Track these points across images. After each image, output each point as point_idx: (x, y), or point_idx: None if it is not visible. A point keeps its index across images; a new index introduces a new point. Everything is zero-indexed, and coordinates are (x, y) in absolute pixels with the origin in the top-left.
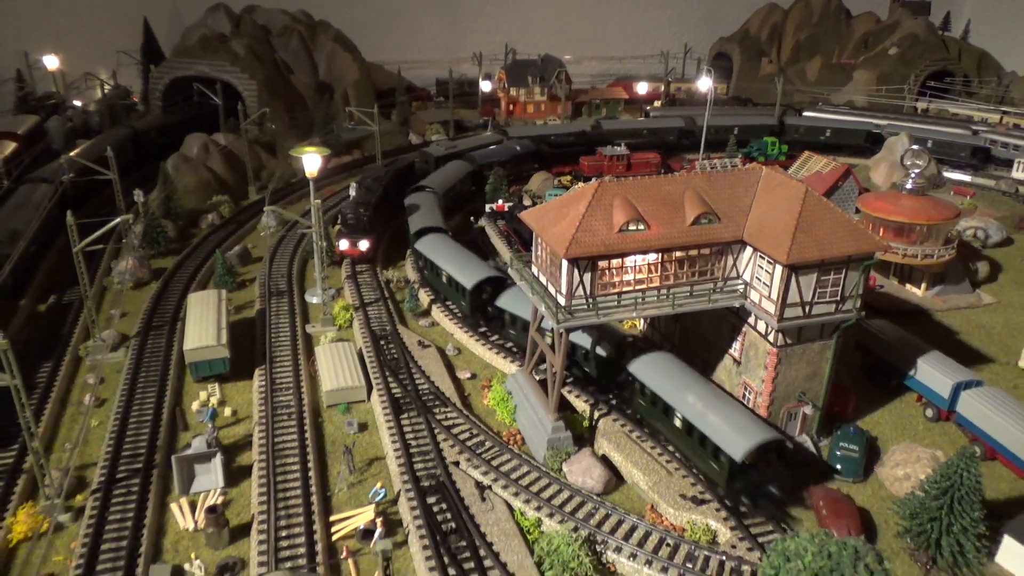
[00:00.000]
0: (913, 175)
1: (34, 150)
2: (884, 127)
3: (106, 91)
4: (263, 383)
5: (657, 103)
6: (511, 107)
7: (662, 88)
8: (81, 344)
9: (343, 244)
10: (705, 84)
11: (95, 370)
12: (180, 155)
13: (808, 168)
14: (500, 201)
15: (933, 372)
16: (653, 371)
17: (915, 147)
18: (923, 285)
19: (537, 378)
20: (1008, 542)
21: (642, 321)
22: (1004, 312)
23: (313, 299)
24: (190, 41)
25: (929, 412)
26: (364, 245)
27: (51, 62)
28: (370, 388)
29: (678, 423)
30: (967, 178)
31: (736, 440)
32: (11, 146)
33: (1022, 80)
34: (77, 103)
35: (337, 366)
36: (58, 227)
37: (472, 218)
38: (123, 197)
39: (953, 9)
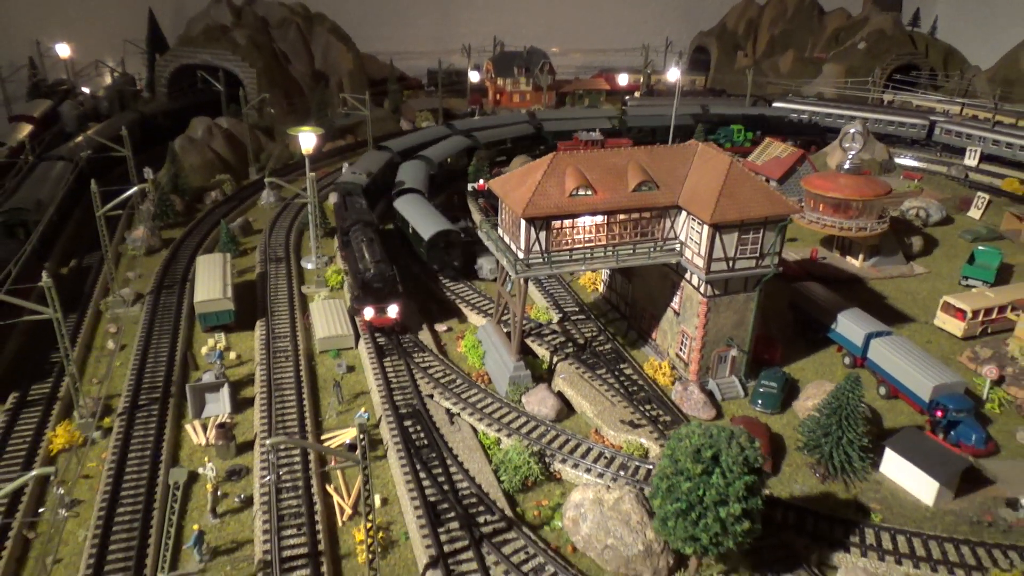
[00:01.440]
0: (850, 156)
1: (49, 132)
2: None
3: (114, 78)
4: (263, 332)
5: (637, 94)
6: (498, 96)
7: (641, 79)
8: (102, 300)
9: (368, 313)
10: (674, 75)
11: (115, 321)
12: (186, 136)
13: (768, 153)
14: (481, 181)
15: (850, 325)
16: (405, 206)
17: (852, 131)
18: (860, 257)
19: (505, 330)
20: (889, 454)
21: (602, 284)
22: (932, 281)
23: (308, 265)
24: (194, 31)
25: (847, 360)
26: (394, 311)
27: (63, 50)
28: (357, 337)
29: (410, 230)
30: (917, 163)
31: (428, 229)
32: (28, 128)
33: (984, 74)
34: (85, 89)
35: (329, 318)
36: (76, 200)
37: (455, 197)
38: (136, 173)
39: (923, 6)
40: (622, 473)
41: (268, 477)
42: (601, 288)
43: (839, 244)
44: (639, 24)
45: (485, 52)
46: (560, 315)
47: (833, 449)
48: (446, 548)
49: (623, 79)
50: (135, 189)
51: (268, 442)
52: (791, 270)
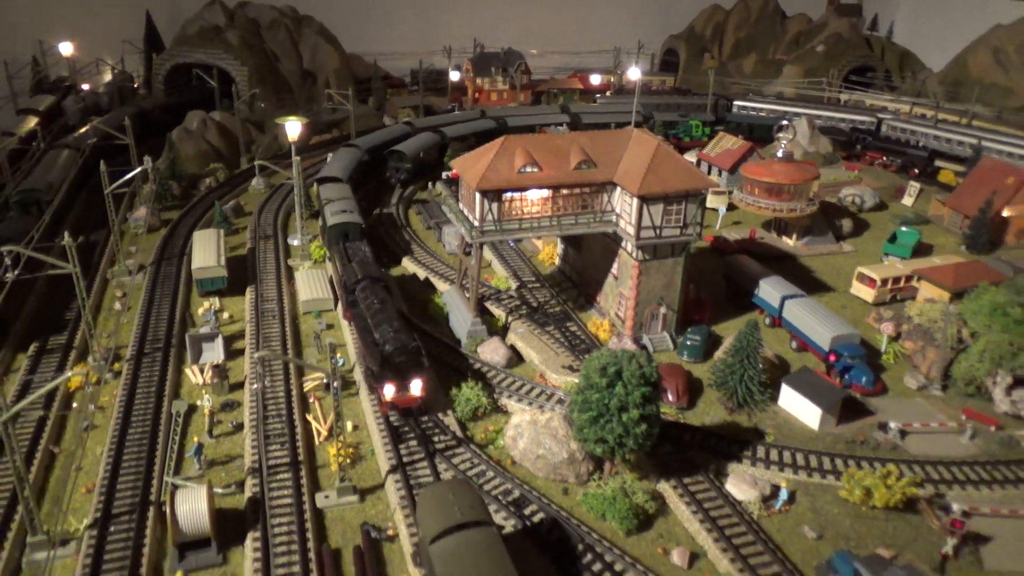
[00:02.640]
0: (783, 146)
1: (53, 125)
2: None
3: (114, 75)
4: (253, 296)
5: (608, 93)
6: (477, 95)
7: (612, 79)
8: (108, 270)
9: (388, 392)
10: (635, 74)
11: (121, 287)
12: (183, 128)
13: (721, 146)
14: (455, 170)
15: (770, 290)
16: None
17: (784, 122)
18: (794, 236)
19: (466, 294)
20: (785, 389)
21: (558, 258)
22: (857, 258)
23: (294, 242)
24: (189, 32)
25: (767, 320)
26: (417, 387)
27: (66, 48)
28: (336, 300)
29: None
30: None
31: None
32: (34, 120)
33: (935, 76)
34: (85, 86)
35: (311, 284)
36: (83, 183)
37: (431, 183)
38: (137, 160)
39: (882, 12)
40: (558, 405)
41: (256, 385)
42: (557, 262)
43: (776, 225)
44: (614, 27)
45: (466, 53)
46: (518, 283)
47: (737, 385)
48: (405, 459)
49: (596, 79)
50: (139, 169)
51: (255, 355)
52: (730, 247)
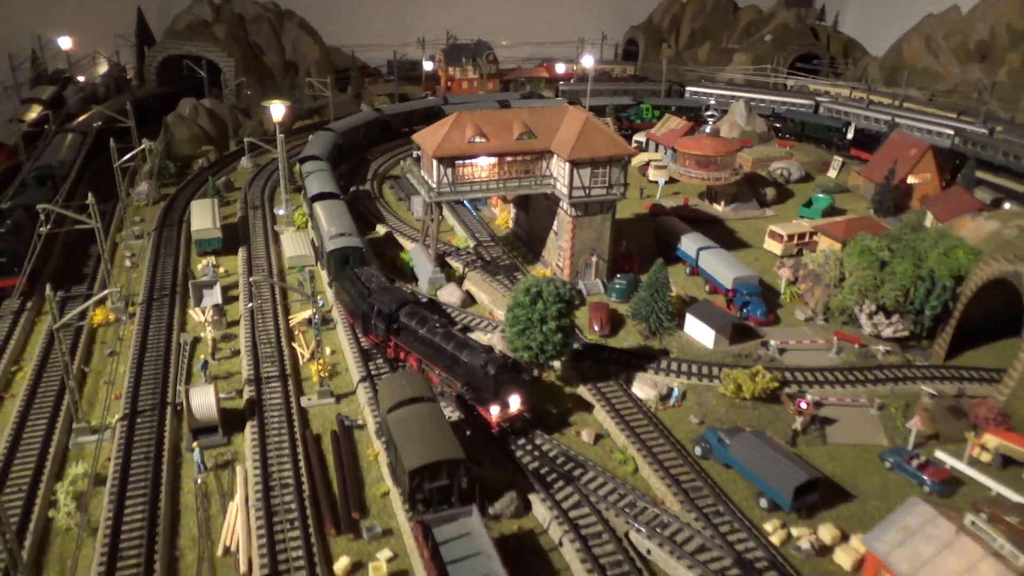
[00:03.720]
0: (711, 123)
1: (59, 112)
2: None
3: (109, 67)
4: (245, 255)
5: (572, 80)
6: (449, 84)
7: (575, 68)
8: (117, 234)
9: (493, 413)
10: (588, 62)
11: (129, 249)
12: (176, 113)
13: (667, 126)
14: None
15: (688, 243)
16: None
17: (712, 101)
18: (722, 202)
19: (430, 250)
20: (688, 317)
21: (511, 222)
22: (776, 221)
23: (280, 211)
24: (179, 26)
25: (687, 270)
26: (517, 402)
27: (65, 43)
28: (317, 258)
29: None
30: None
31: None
32: (38, 108)
33: (876, 63)
34: (81, 78)
35: (295, 244)
36: (89, 162)
37: (403, 161)
38: (137, 141)
39: (830, 2)
40: (501, 332)
41: (250, 304)
42: (511, 225)
43: (708, 194)
44: (580, 20)
45: (439, 44)
46: (475, 243)
47: (650, 315)
48: (372, 371)
49: (560, 68)
50: (141, 147)
51: (251, 280)
52: (665, 212)
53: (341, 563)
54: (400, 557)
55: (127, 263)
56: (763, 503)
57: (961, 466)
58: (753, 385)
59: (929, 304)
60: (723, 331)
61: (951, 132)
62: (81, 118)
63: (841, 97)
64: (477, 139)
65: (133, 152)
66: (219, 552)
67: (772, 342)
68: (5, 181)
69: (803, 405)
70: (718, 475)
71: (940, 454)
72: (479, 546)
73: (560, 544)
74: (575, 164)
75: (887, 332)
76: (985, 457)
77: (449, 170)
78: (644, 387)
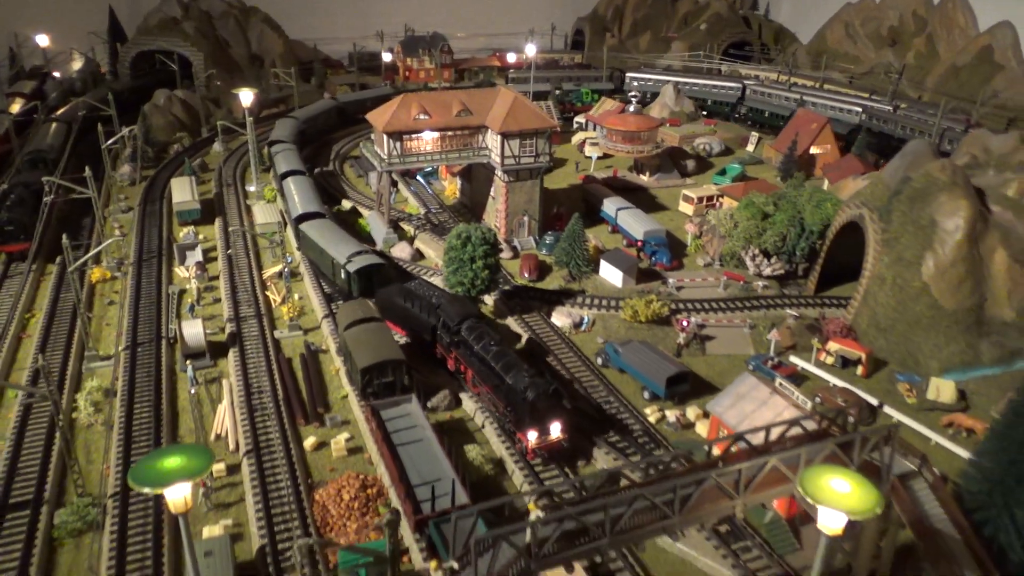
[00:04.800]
0: (633, 102)
1: (42, 105)
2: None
3: (85, 63)
4: (221, 223)
5: (522, 69)
6: (407, 74)
7: (524, 57)
8: (105, 209)
9: (531, 438)
10: (531, 51)
11: (117, 220)
12: (152, 103)
13: (603, 108)
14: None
15: (610, 205)
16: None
17: (634, 83)
18: (647, 173)
19: (384, 214)
20: (602, 263)
21: (459, 192)
22: (695, 189)
23: (251, 188)
24: (150, 23)
25: (609, 229)
26: (557, 429)
27: (42, 40)
28: (284, 224)
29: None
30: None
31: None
32: (21, 101)
33: (803, 48)
34: (56, 74)
35: (266, 214)
36: (74, 147)
37: (362, 143)
38: (118, 127)
39: None
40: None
41: (228, 251)
42: (458, 195)
43: (635, 165)
44: (531, 11)
45: (397, 37)
46: (425, 210)
47: (570, 262)
48: (333, 311)
49: (511, 57)
50: (124, 131)
51: (231, 229)
52: (596, 182)
53: (309, 442)
54: (355, 439)
55: (116, 232)
56: (646, 395)
57: (807, 366)
58: (647, 310)
59: (799, 246)
60: (630, 272)
61: (859, 110)
62: (65, 108)
63: (766, 80)
64: (421, 116)
65: (117, 136)
66: (212, 438)
67: (671, 280)
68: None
69: (685, 323)
70: (614, 377)
71: (793, 358)
72: (418, 424)
73: (482, 427)
74: (506, 136)
75: (767, 271)
76: (829, 360)
77: (398, 143)
78: (561, 317)
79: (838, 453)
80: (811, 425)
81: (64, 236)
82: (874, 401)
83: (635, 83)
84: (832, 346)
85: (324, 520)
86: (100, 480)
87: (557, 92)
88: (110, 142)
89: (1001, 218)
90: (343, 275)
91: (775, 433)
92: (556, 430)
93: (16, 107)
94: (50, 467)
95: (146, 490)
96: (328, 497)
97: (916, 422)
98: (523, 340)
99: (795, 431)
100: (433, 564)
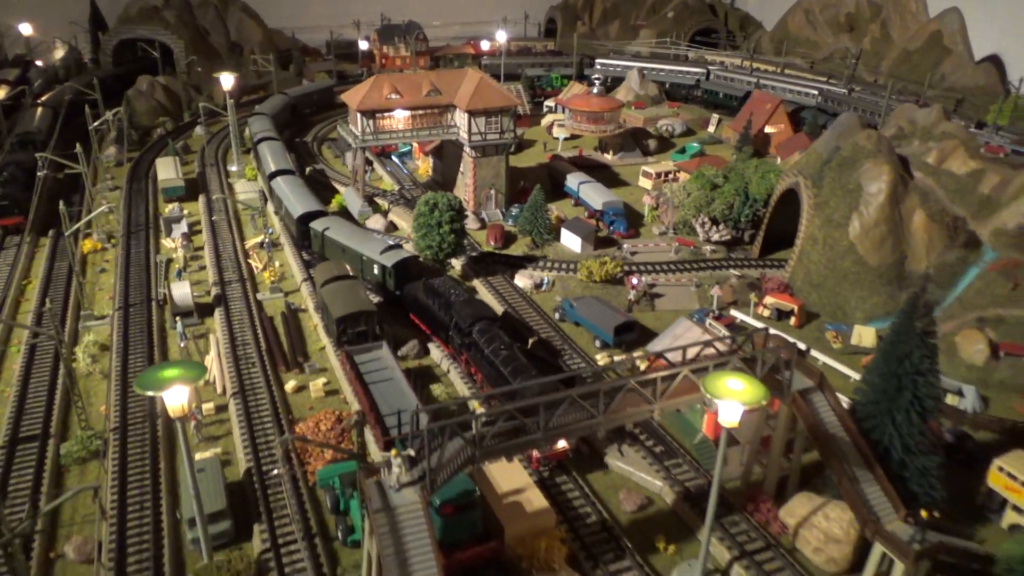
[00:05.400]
0: (596, 84)
1: (24, 90)
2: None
3: (67, 51)
4: (205, 199)
5: (495, 56)
6: (383, 62)
7: (497, 44)
8: (93, 188)
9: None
10: (502, 37)
11: (105, 198)
12: (135, 89)
13: (572, 92)
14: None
15: (573, 180)
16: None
17: (597, 66)
18: (611, 152)
19: (359, 189)
20: (564, 231)
21: (431, 170)
22: (654, 165)
23: (232, 168)
24: (131, 12)
25: (572, 202)
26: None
27: (26, 29)
28: (266, 200)
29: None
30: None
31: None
32: (6, 88)
33: (767, 35)
34: (39, 63)
35: (247, 189)
36: (62, 130)
37: (339, 125)
38: (103, 110)
39: None
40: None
41: (213, 218)
42: (431, 173)
43: (600, 145)
44: (504, 0)
45: (373, 25)
46: (399, 186)
47: (532, 230)
48: (311, 275)
49: (485, 45)
50: (109, 113)
51: (214, 197)
52: (562, 160)
53: (289, 385)
54: (331, 383)
55: (105, 208)
56: (597, 344)
57: (746, 318)
58: (601, 270)
59: (743, 213)
60: (588, 239)
61: (816, 92)
62: (51, 93)
63: (730, 65)
64: (393, 96)
65: (103, 118)
66: (201, 383)
67: (626, 245)
68: None
69: (635, 282)
70: (569, 330)
71: (734, 312)
72: (388, 366)
73: (447, 372)
74: (472, 114)
75: (715, 237)
76: (766, 312)
77: (371, 121)
78: (523, 279)
79: (742, 366)
80: (723, 348)
81: (61, 203)
82: (803, 346)
83: (599, 68)
84: (768, 300)
85: (304, 448)
86: (100, 419)
87: (522, 76)
88: (97, 123)
89: (921, 183)
90: (375, 270)
91: (691, 353)
92: (561, 440)
93: (1, 93)
94: (55, 405)
95: (149, 393)
96: (307, 429)
97: (839, 363)
98: (530, 343)
99: (709, 351)
100: (393, 452)
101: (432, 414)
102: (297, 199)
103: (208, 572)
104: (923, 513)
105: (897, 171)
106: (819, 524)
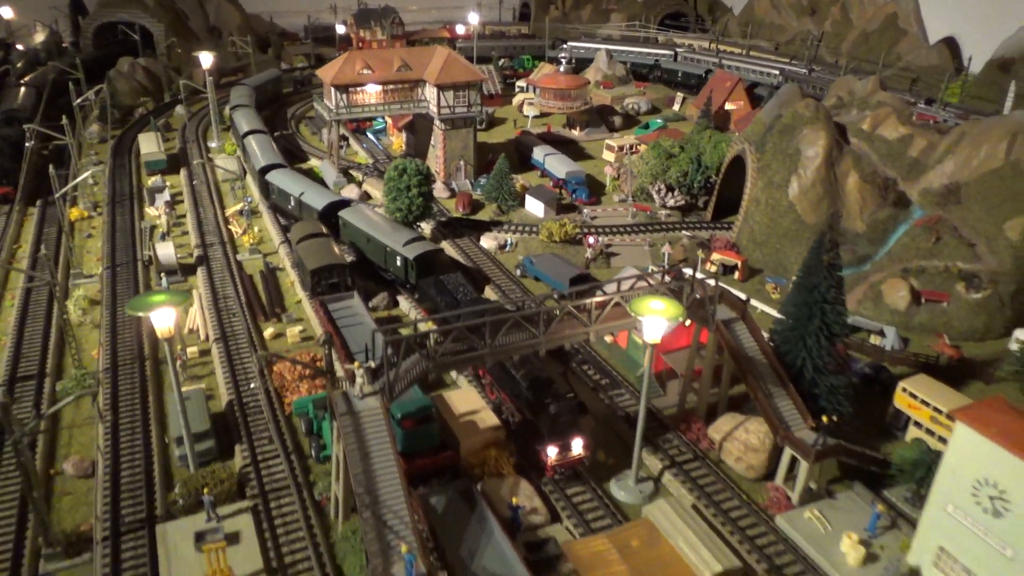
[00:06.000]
0: (563, 62)
1: (8, 70)
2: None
3: (48, 34)
4: (186, 172)
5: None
6: (360, 45)
7: (472, 28)
8: (78, 161)
9: (550, 454)
10: (474, 19)
11: (91, 169)
12: (116, 70)
13: (541, 71)
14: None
15: (539, 152)
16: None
17: (565, 47)
18: (578, 128)
19: (334, 161)
20: (527, 197)
21: (404, 144)
22: (619, 139)
23: (212, 144)
24: None
25: (539, 174)
26: (579, 446)
27: (6, 12)
28: (245, 173)
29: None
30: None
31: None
32: None
33: (735, 18)
34: (19, 46)
35: (226, 164)
36: (46, 108)
37: (315, 102)
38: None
39: None
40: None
41: (194, 182)
42: (404, 148)
43: (568, 122)
44: None
45: (351, 9)
46: (373, 160)
47: (498, 196)
48: (288, 237)
49: (460, 29)
50: (97, 88)
51: (194, 163)
52: (529, 134)
53: (268, 332)
54: (307, 331)
55: (90, 180)
56: (556, 296)
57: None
58: (560, 231)
59: (695, 179)
60: (550, 204)
61: (778, 72)
62: (34, 74)
63: (699, 48)
64: (365, 71)
65: (85, 95)
66: (185, 332)
67: (586, 210)
68: None
69: (592, 241)
70: (529, 284)
71: (683, 268)
72: (359, 313)
73: (416, 321)
74: (441, 87)
75: (671, 202)
76: (713, 268)
77: (344, 96)
78: (489, 241)
79: (668, 296)
80: (655, 282)
81: (51, 166)
82: (743, 296)
83: (568, 48)
84: (715, 256)
85: (281, 384)
86: (92, 362)
87: (493, 58)
88: (80, 100)
89: (856, 147)
90: (398, 262)
91: (626, 285)
92: (578, 446)
93: None
94: (49, 348)
95: (139, 314)
96: (284, 368)
97: (775, 311)
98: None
99: (642, 285)
100: (356, 364)
101: (389, 333)
102: (317, 191)
103: (194, 481)
104: (823, 418)
105: (833, 136)
106: (740, 436)
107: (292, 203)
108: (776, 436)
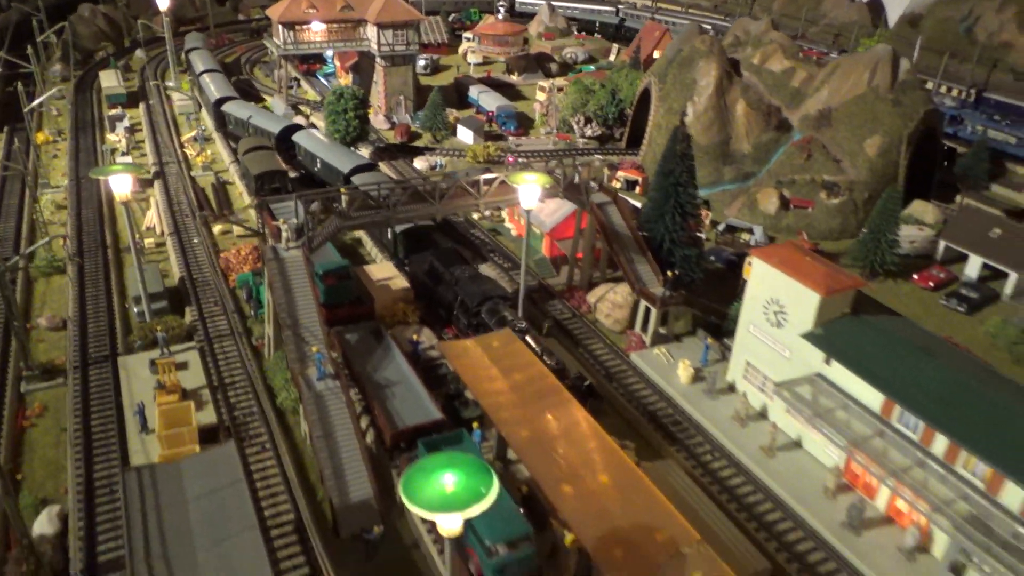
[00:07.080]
0: (500, 10)
1: None
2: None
3: None
4: (145, 108)
5: None
6: None
7: None
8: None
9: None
10: None
11: (53, 106)
12: (77, 14)
13: (486, 22)
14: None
15: (475, 90)
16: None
17: (502, 3)
18: (516, 73)
19: (282, 95)
20: (459, 127)
21: (351, 80)
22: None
23: (169, 83)
24: None
25: (475, 111)
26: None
27: None
28: (200, 107)
29: None
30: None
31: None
32: None
33: None
34: None
35: (183, 100)
36: (10, 47)
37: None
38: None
39: None
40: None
41: (151, 102)
42: (350, 80)
43: (507, 68)
44: None
45: None
46: (321, 98)
47: (433, 126)
48: (239, 157)
49: None
50: (54, 29)
51: (152, 83)
52: (472, 80)
53: (217, 228)
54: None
55: (54, 112)
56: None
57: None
58: (483, 152)
59: (610, 111)
60: (479, 132)
61: (709, 28)
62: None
63: (640, 6)
64: (310, 10)
65: (48, 31)
66: (144, 228)
67: (511, 138)
68: None
69: (511, 160)
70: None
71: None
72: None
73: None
74: (380, 26)
75: (589, 132)
76: (617, 184)
77: (291, 33)
78: (421, 162)
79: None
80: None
81: (18, 83)
82: (639, 204)
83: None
84: (620, 174)
85: (228, 266)
86: (60, 250)
87: (451, 17)
88: (42, 37)
89: (746, 79)
90: (389, 234)
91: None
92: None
93: None
94: (23, 229)
95: (100, 177)
96: (230, 254)
97: None
98: (545, 328)
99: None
100: (281, 220)
101: (310, 197)
102: (341, 155)
103: (150, 326)
104: (668, 273)
105: (724, 68)
106: (609, 297)
107: (251, 132)
108: (633, 291)
